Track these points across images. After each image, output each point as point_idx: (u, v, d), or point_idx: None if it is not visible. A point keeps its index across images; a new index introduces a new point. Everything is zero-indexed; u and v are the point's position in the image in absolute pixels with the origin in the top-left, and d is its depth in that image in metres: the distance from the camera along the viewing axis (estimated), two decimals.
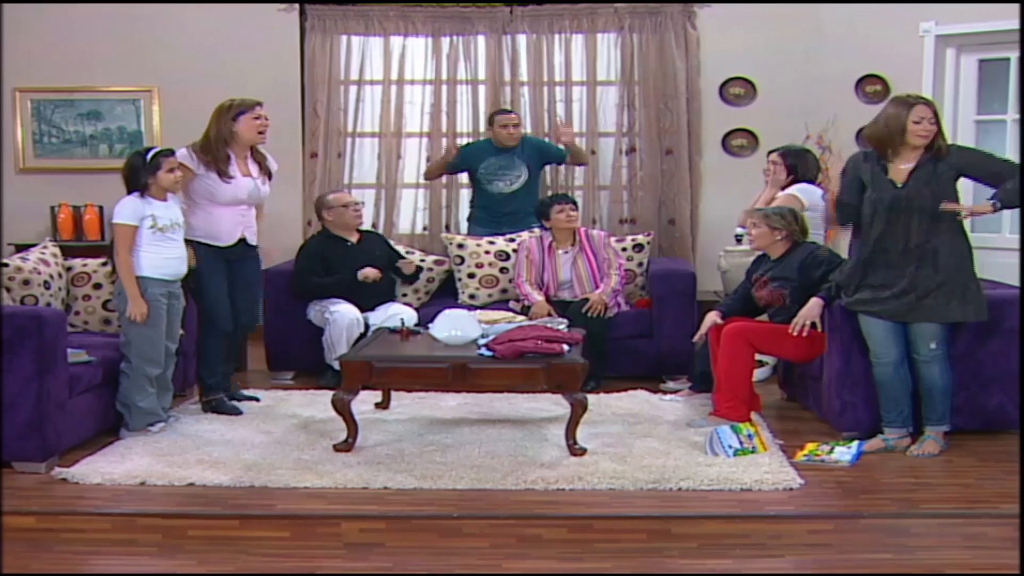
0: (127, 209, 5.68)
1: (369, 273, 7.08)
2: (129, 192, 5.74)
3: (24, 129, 8.69)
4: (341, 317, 6.87)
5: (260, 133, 6.25)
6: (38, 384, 5.12)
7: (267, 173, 6.39)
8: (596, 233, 7.39)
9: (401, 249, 7.68)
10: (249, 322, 6.51)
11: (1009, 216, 7.84)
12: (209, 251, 6.17)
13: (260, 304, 6.52)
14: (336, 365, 6.77)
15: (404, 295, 7.51)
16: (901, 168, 5.37)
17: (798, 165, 6.76)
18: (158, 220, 5.71)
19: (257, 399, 6.49)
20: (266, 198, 6.43)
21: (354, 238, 7.33)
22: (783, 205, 6.41)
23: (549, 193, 8.24)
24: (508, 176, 7.92)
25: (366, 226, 7.81)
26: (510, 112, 8.09)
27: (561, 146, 8.10)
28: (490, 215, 7.96)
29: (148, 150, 5.82)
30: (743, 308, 6.34)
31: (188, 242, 6.14)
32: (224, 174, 6.11)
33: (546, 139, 8.43)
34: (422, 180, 8.67)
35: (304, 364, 7.17)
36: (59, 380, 5.24)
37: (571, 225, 7.25)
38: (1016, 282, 6.20)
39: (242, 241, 6.29)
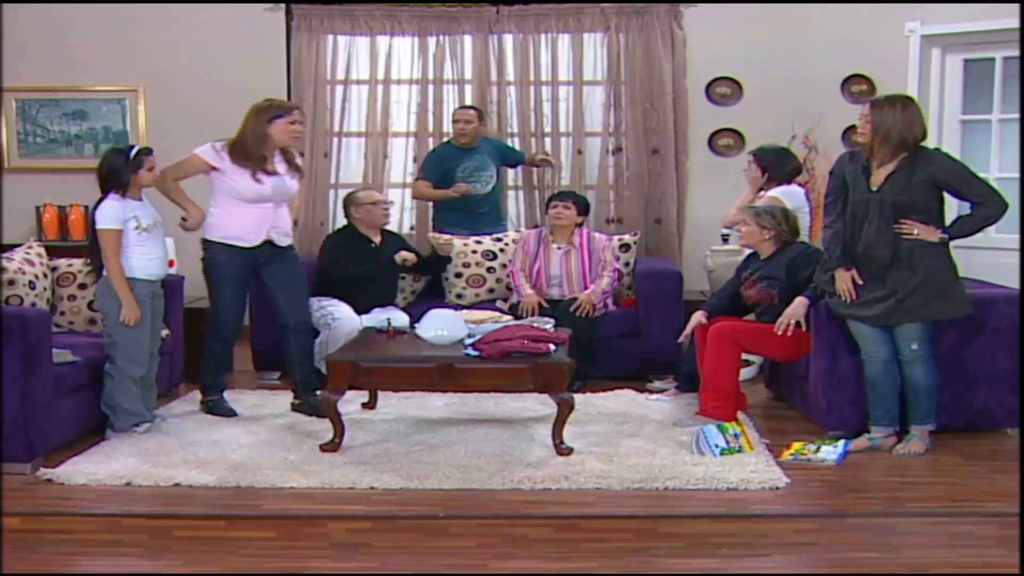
0: (110, 213, 5.61)
1: (408, 256, 7.11)
2: (105, 191, 5.67)
3: (9, 129, 8.66)
4: (344, 324, 6.77)
5: (294, 138, 6.17)
6: (23, 384, 5.10)
7: (296, 169, 6.27)
8: (598, 236, 7.41)
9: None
10: (297, 321, 6.31)
11: None
12: (230, 252, 6.07)
13: (306, 301, 6.42)
14: (323, 368, 6.77)
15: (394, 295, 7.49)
16: (881, 171, 5.38)
17: (770, 164, 6.75)
18: (141, 220, 5.68)
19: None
20: (295, 193, 6.31)
21: (378, 239, 7.31)
22: (772, 206, 6.41)
23: (540, 192, 8.30)
24: (484, 176, 7.96)
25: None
26: (468, 108, 8.09)
27: (523, 151, 8.42)
28: (467, 216, 7.93)
29: (129, 148, 5.76)
30: (730, 307, 6.35)
31: (206, 243, 6.11)
32: (262, 171, 6.01)
33: (509, 141, 8.56)
34: (408, 180, 8.68)
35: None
36: (44, 380, 5.22)
37: (559, 222, 7.26)
38: (1004, 281, 6.23)
39: (268, 242, 6.17)
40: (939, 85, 8.06)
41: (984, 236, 7.58)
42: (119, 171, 5.65)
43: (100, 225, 5.62)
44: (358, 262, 7.10)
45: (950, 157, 5.49)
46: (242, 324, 6.34)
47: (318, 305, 6.96)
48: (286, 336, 6.33)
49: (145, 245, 5.70)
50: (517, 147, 8.55)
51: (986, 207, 5.37)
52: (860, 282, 5.44)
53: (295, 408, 6.30)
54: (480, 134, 8.01)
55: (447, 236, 7.49)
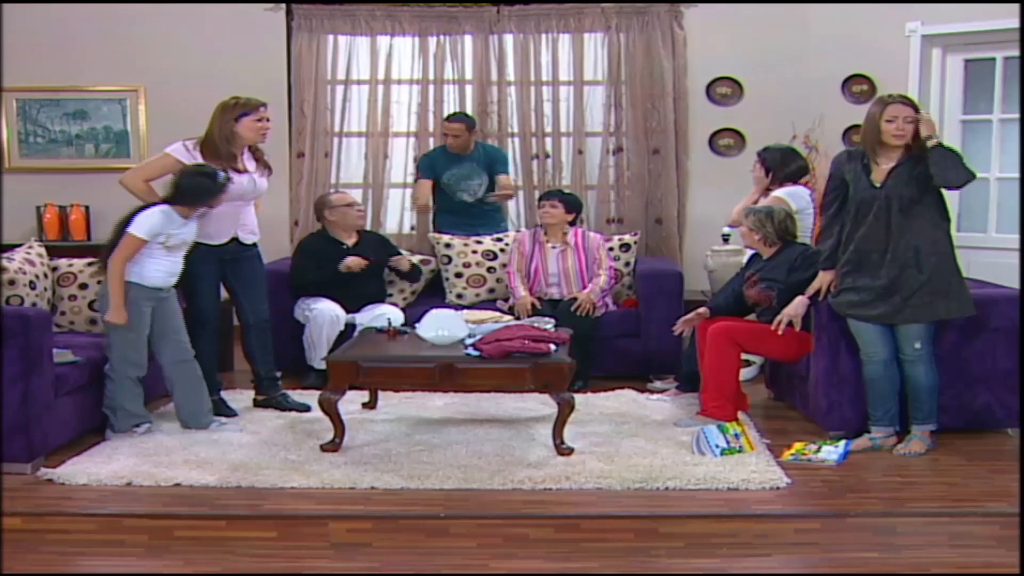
0: (147, 225, 5.60)
1: (351, 263, 7.05)
2: (171, 201, 5.68)
3: (9, 129, 8.66)
4: (320, 315, 6.90)
5: (261, 135, 6.16)
6: (23, 384, 5.11)
7: (266, 167, 6.29)
8: (592, 235, 7.42)
9: (405, 253, 7.71)
10: (258, 319, 6.36)
11: (995, 216, 7.87)
12: (200, 251, 6.06)
13: (265, 299, 6.44)
14: (317, 365, 6.82)
15: (390, 295, 7.50)
16: (883, 168, 5.38)
17: (774, 164, 6.71)
18: (170, 239, 5.66)
19: (308, 407, 6.28)
20: (264, 192, 6.32)
21: (351, 240, 7.30)
22: (761, 206, 6.39)
23: (537, 192, 8.29)
24: (471, 186, 7.90)
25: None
26: (455, 122, 7.91)
27: (507, 155, 8.36)
28: (461, 219, 7.93)
29: (214, 171, 5.76)
30: (736, 307, 6.34)
31: None
32: (232, 169, 6.00)
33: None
34: (409, 180, 8.68)
35: (291, 363, 7.12)
36: (45, 380, 5.22)
37: (548, 220, 7.28)
38: (1004, 281, 6.23)
39: (235, 240, 6.21)
40: (940, 85, 8.07)
41: (984, 236, 7.69)
42: (208, 193, 5.71)
43: (132, 229, 5.60)
44: (326, 266, 7.10)
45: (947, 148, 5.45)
46: (220, 319, 6.36)
47: (303, 304, 7.04)
48: (247, 334, 6.39)
49: (160, 259, 5.69)
50: (517, 150, 8.55)
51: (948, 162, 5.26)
52: (836, 289, 5.50)
53: (258, 404, 6.40)
54: (471, 142, 7.95)
55: (405, 255, 7.52)
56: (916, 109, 5.37)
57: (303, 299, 7.13)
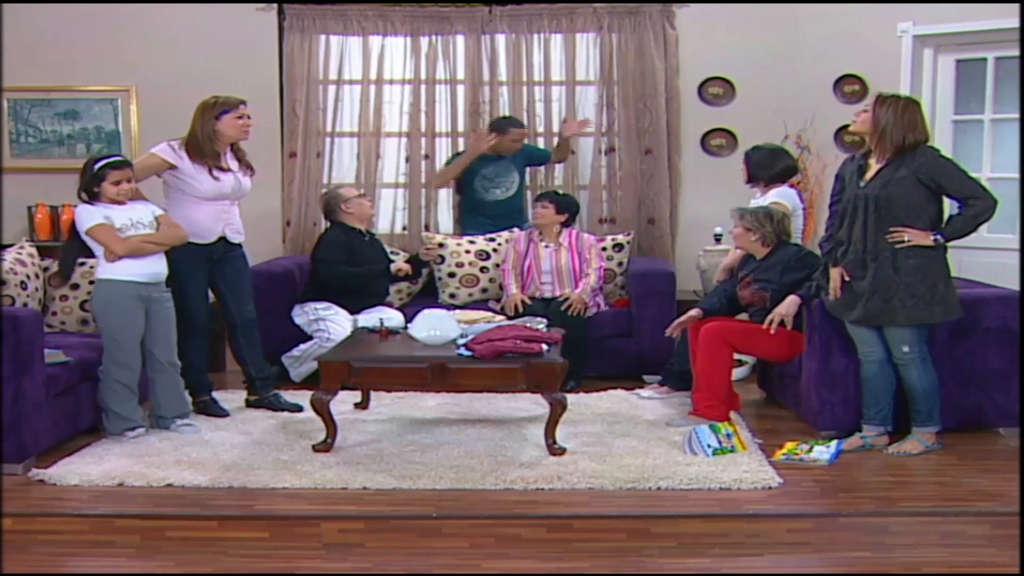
0: (84, 217, 5.64)
1: (403, 267, 7.21)
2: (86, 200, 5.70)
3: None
4: (337, 335, 6.72)
5: (244, 132, 6.17)
6: (15, 385, 5.10)
7: (248, 167, 6.30)
8: (585, 236, 7.47)
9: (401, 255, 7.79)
10: (244, 319, 6.37)
11: None
12: (189, 250, 6.05)
13: (251, 298, 6.43)
14: (295, 377, 6.98)
15: (387, 295, 7.50)
16: (873, 168, 5.39)
17: (758, 166, 6.67)
18: (114, 222, 5.64)
19: (300, 408, 6.31)
20: (247, 192, 6.33)
21: (367, 233, 7.37)
22: (757, 207, 6.39)
23: (530, 192, 8.30)
24: (504, 183, 7.96)
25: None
26: (523, 126, 8.06)
27: (546, 148, 8.37)
28: (486, 218, 7.96)
29: (97, 160, 5.74)
30: (727, 307, 6.34)
31: None
32: (218, 168, 6.03)
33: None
34: (401, 180, 8.68)
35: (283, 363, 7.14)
36: (36, 381, 5.21)
37: (538, 221, 7.34)
38: (1002, 282, 6.23)
39: (223, 239, 6.22)
40: (931, 85, 8.06)
41: (980, 236, 7.64)
42: (83, 181, 5.70)
43: (81, 229, 5.66)
44: (359, 260, 7.12)
45: (937, 153, 5.40)
46: (211, 320, 6.36)
47: (313, 312, 6.98)
48: (234, 334, 6.41)
49: None
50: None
51: (973, 205, 5.30)
52: (848, 278, 5.44)
53: (250, 404, 6.41)
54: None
55: (440, 236, 7.51)
56: (878, 100, 5.37)
57: (312, 305, 7.07)
